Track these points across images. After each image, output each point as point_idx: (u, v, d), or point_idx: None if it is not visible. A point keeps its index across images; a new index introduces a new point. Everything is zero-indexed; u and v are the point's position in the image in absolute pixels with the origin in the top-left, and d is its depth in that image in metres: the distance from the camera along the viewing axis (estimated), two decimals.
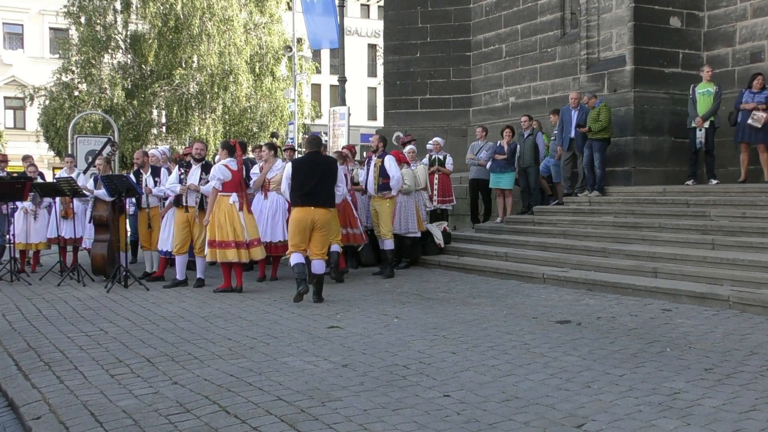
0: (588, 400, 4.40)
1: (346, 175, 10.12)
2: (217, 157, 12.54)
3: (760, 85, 10.36)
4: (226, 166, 8.88)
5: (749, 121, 10.23)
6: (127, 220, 10.70)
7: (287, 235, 8.96)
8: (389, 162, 10.10)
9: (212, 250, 8.80)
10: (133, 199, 10.53)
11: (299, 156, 9.12)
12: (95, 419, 4.21)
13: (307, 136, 9.90)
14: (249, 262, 9.31)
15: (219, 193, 8.83)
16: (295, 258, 8.08)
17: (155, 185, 10.09)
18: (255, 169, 10.50)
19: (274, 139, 27.30)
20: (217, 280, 9.89)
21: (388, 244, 10.21)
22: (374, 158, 10.24)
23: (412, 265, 11.00)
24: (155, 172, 10.28)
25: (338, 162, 9.58)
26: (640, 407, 4.24)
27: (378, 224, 10.27)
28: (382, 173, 10.07)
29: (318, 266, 8.11)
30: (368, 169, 10.31)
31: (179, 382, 4.92)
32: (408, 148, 11.31)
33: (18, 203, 10.74)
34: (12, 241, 10.41)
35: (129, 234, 11.02)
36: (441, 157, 12.15)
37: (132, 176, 10.25)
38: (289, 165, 8.62)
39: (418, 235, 10.81)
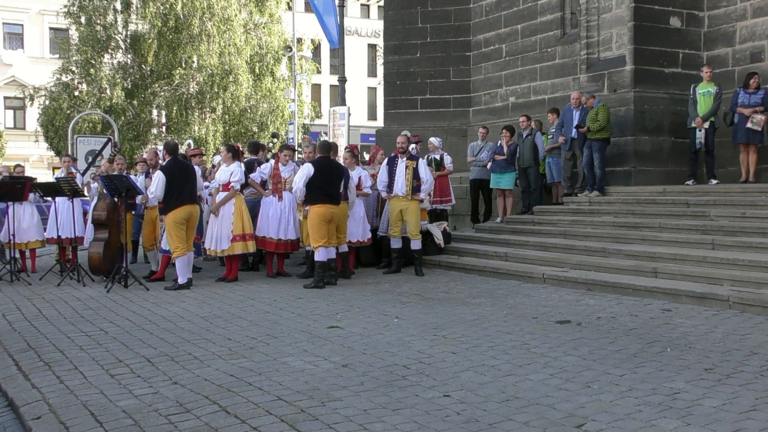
0: (588, 400, 4.40)
1: (360, 178, 10.26)
2: (216, 158, 12.56)
3: (756, 85, 10.35)
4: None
5: (749, 124, 10.21)
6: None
7: (298, 234, 10.07)
8: (423, 166, 10.23)
9: (243, 243, 9.64)
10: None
11: (316, 159, 9.36)
12: (95, 419, 4.21)
13: (318, 142, 10.58)
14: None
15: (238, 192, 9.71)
16: (321, 254, 9.04)
17: None
18: (265, 169, 10.47)
19: (275, 139, 27.30)
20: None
21: (416, 244, 10.25)
22: (404, 160, 10.18)
23: (408, 265, 10.96)
24: None
25: (352, 163, 10.31)
26: (640, 407, 4.24)
27: (398, 224, 10.21)
28: (416, 176, 10.08)
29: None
30: (393, 170, 10.23)
31: (179, 382, 4.92)
32: (409, 146, 11.30)
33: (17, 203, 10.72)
34: (12, 241, 10.39)
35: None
36: (437, 157, 12.11)
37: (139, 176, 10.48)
38: (309, 166, 9.16)
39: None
